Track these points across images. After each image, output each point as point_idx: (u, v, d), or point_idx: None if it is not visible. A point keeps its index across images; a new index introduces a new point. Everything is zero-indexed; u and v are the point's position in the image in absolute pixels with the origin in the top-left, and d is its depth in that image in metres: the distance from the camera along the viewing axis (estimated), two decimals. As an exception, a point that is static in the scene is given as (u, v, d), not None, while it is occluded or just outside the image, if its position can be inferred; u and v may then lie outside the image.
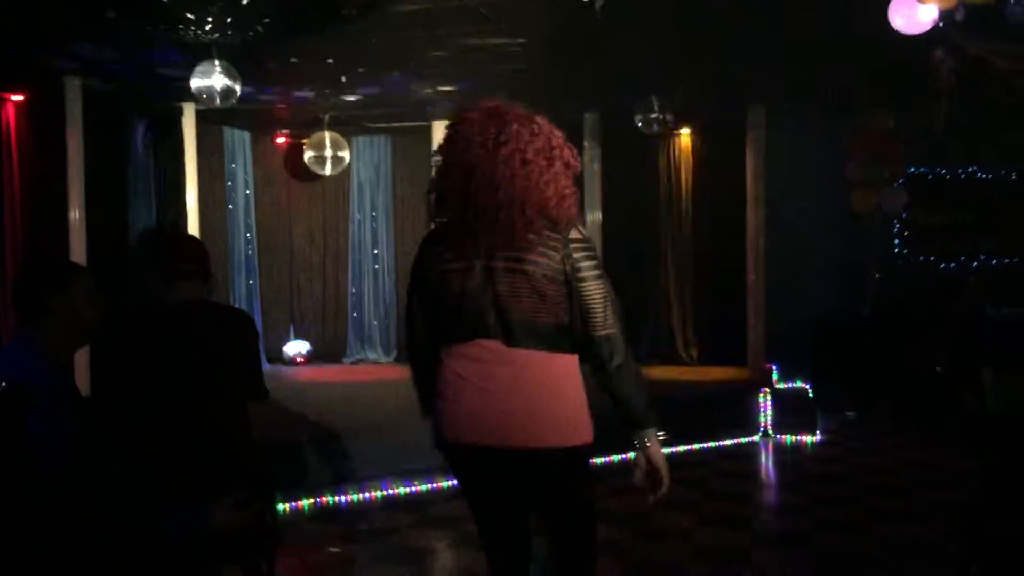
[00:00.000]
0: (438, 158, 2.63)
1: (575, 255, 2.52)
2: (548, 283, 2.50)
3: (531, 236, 2.50)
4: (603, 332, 2.54)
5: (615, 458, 7.00)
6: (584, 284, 2.52)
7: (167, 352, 2.95)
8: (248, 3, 5.47)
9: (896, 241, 9.45)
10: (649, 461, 2.69)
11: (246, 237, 10.26)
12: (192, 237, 3.64)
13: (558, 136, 2.64)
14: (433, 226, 2.70)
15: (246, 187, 10.34)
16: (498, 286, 2.51)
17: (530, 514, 2.73)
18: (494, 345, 2.53)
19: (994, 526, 2.81)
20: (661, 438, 2.72)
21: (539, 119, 2.64)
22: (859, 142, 8.91)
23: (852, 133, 8.95)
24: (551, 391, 2.56)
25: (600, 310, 2.53)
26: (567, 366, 2.58)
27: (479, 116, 2.59)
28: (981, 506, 3.21)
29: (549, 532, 2.68)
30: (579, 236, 2.55)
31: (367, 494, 6.10)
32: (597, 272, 2.55)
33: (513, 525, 2.75)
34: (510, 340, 2.52)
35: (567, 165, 2.61)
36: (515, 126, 2.57)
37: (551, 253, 2.51)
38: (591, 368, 2.60)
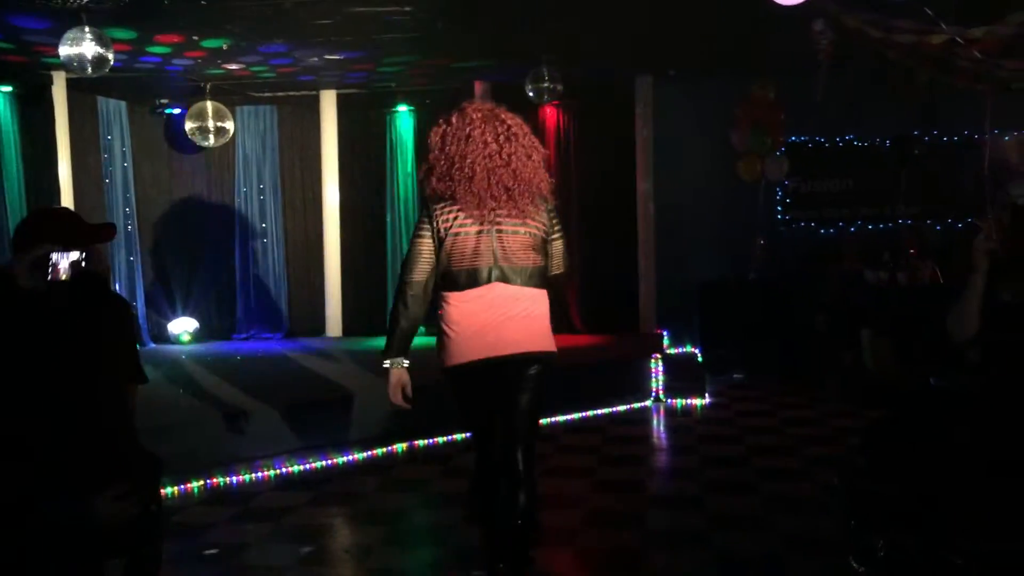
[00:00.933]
0: (440, 147, 3.51)
1: (552, 220, 3.67)
2: (537, 240, 3.60)
3: (530, 207, 3.55)
4: (562, 270, 3.78)
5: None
6: (555, 239, 3.70)
7: (32, 341, 2.71)
8: (118, -34, 5.21)
9: (779, 208, 9.74)
10: None
11: (125, 212, 9.84)
12: (63, 211, 3.17)
13: (530, 132, 3.60)
14: (430, 199, 3.57)
15: (124, 159, 9.90)
16: (505, 243, 3.52)
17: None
18: (504, 287, 3.52)
19: (870, 480, 2.95)
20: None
21: (520, 120, 3.59)
22: (743, 111, 9.13)
23: (738, 102, 9.16)
24: (542, 314, 3.64)
25: (561, 256, 3.75)
26: (546, 297, 3.66)
27: (480, 118, 3.48)
28: (858, 461, 3.36)
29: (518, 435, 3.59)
30: (553, 207, 3.68)
31: (259, 473, 5.98)
32: (561, 230, 3.74)
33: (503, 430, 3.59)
34: (516, 282, 3.54)
35: (541, 154, 3.61)
36: (513, 127, 3.52)
37: (540, 219, 3.60)
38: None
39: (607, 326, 9.65)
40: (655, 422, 7.62)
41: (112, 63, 6.25)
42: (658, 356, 8.30)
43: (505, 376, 3.54)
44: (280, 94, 9.95)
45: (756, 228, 9.32)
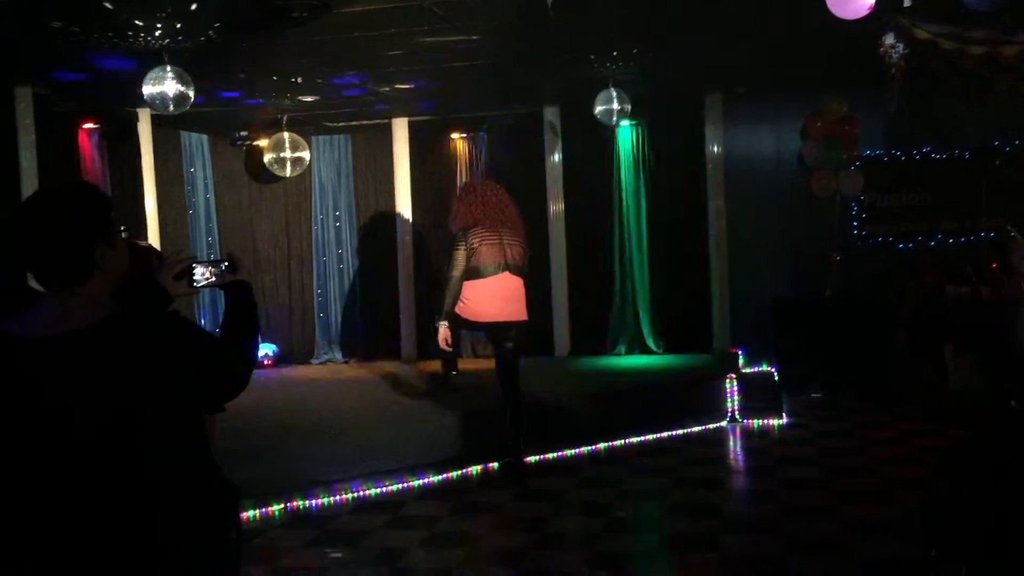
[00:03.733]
0: (464, 202, 6.42)
1: (524, 241, 6.39)
2: (521, 248, 6.34)
3: (519, 231, 6.36)
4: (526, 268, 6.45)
5: (584, 449, 7.08)
6: (524, 250, 6.37)
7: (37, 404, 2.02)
8: (197, 8, 5.41)
9: (855, 223, 9.56)
10: None
11: (208, 241, 10.17)
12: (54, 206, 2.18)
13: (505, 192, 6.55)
14: (462, 230, 6.27)
15: (206, 191, 10.24)
16: (508, 250, 6.24)
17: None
18: (508, 275, 6.23)
19: (951, 505, 2.87)
20: None
21: (499, 186, 6.62)
22: (816, 126, 9.02)
23: (809, 117, 9.05)
24: (523, 294, 6.35)
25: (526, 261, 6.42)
26: (524, 284, 6.37)
27: (484, 186, 6.65)
28: (939, 485, 3.27)
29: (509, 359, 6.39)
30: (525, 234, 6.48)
31: (338, 496, 6.09)
32: (526, 246, 6.44)
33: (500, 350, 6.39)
34: (513, 272, 6.24)
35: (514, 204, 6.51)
36: (500, 192, 6.45)
37: (521, 237, 6.37)
38: None
39: (681, 345, 9.59)
40: (731, 443, 7.52)
41: (193, 100, 6.47)
42: (733, 375, 8.20)
43: (508, 330, 6.28)
44: (353, 123, 10.17)
45: (831, 244, 9.17)
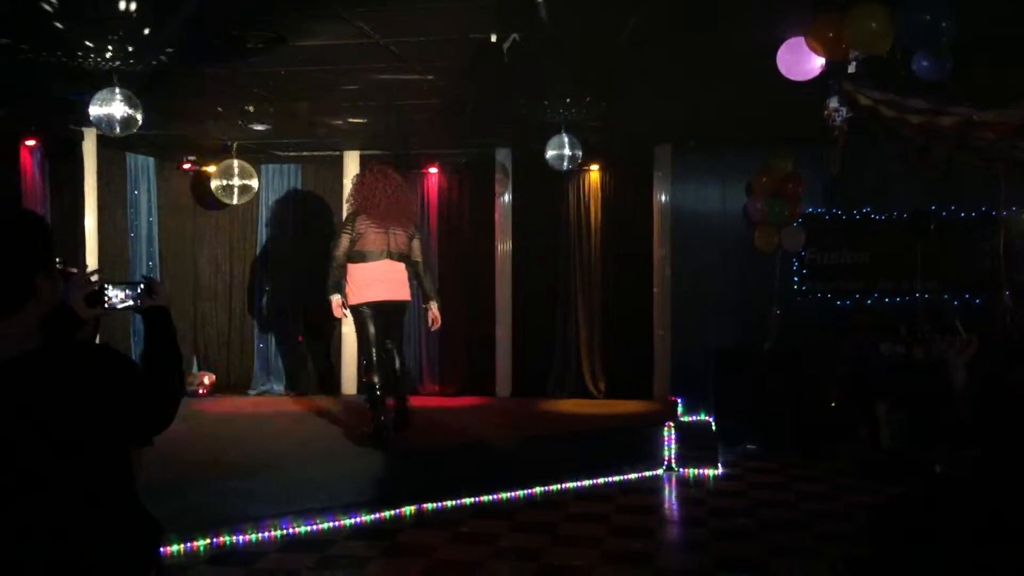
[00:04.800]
0: (357, 190, 7.06)
1: (414, 230, 7.22)
2: (406, 238, 7.07)
3: (405, 222, 7.07)
4: (420, 259, 7.19)
5: (520, 493, 7.04)
6: (415, 240, 7.18)
7: None
8: (150, 33, 5.36)
9: (795, 278, 9.75)
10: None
11: (148, 265, 9.99)
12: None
13: (402, 181, 7.24)
14: (352, 214, 7.00)
15: (149, 214, 10.08)
16: (392, 238, 6.96)
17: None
18: (389, 261, 6.95)
19: (872, 571, 2.91)
20: None
21: (396, 172, 7.23)
22: (761, 182, 9.20)
23: (755, 173, 9.24)
24: (406, 278, 7.10)
25: (420, 251, 7.21)
26: (406, 269, 7.11)
27: (379, 170, 7.15)
28: (861, 549, 3.32)
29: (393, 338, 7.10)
30: (415, 224, 7.33)
31: (266, 533, 5.97)
32: (420, 237, 7.29)
33: (382, 336, 7.00)
34: (394, 259, 6.97)
35: (408, 193, 7.31)
36: (395, 176, 7.11)
37: (408, 226, 7.12)
38: (413, 273, 7.23)
39: (622, 391, 9.63)
40: (666, 492, 7.55)
41: (140, 123, 6.38)
42: (671, 424, 8.25)
43: (391, 311, 7.01)
44: (305, 153, 10.12)
45: (772, 298, 9.32)
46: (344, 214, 7.27)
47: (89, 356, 2.19)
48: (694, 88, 7.11)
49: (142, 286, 2.52)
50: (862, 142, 7.27)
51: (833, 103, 6.16)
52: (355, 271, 6.92)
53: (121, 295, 2.51)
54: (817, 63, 5.39)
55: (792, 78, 5.51)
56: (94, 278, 2.56)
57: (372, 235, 6.90)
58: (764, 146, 9.08)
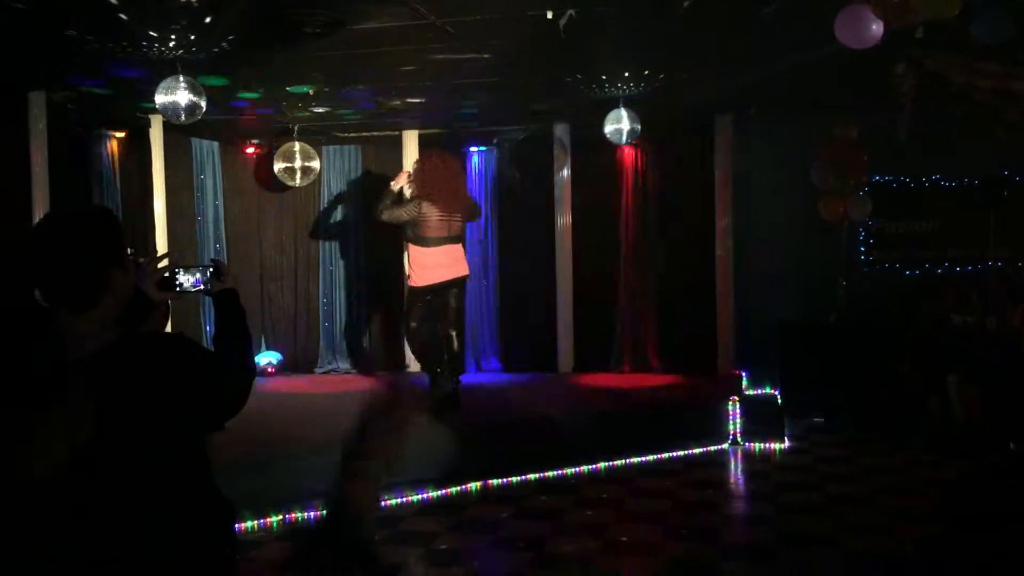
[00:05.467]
0: (419, 177, 7.48)
1: (466, 211, 7.65)
2: (462, 220, 7.60)
3: (463, 207, 7.56)
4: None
5: (584, 468, 7.08)
6: (464, 219, 7.72)
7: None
8: (212, 21, 5.44)
9: (862, 248, 9.55)
10: None
11: (215, 248, 10.20)
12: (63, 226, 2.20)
13: (459, 167, 7.94)
14: (417, 198, 7.41)
15: (215, 198, 10.28)
16: (451, 224, 7.43)
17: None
18: (449, 246, 7.43)
19: (946, 548, 2.86)
20: None
21: (455, 160, 7.83)
22: (825, 151, 9.02)
23: (818, 141, 9.05)
24: (463, 255, 7.63)
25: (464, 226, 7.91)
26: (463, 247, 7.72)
27: (439, 156, 7.60)
28: (936, 527, 3.26)
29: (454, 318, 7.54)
30: (473, 201, 7.99)
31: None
32: (468, 213, 7.79)
33: (438, 317, 7.48)
34: (453, 242, 7.48)
35: (464, 178, 8.34)
36: (454, 163, 7.62)
37: (464, 210, 7.57)
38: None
39: (684, 366, 9.56)
40: (732, 466, 7.52)
41: (204, 110, 6.50)
42: (736, 398, 8.19)
43: (449, 288, 7.41)
44: (364, 134, 10.20)
45: (838, 269, 9.16)
46: (408, 194, 7.62)
47: (164, 347, 2.25)
48: (755, 56, 6.98)
49: (211, 269, 2.57)
50: (930, 107, 7.10)
51: (900, 68, 6.02)
52: (418, 255, 7.42)
53: (191, 279, 2.57)
54: (877, 30, 5.24)
55: (851, 46, 5.37)
56: (164, 262, 2.63)
57: (436, 221, 7.31)
58: (828, 114, 8.88)
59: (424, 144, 10.24)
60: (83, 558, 2.04)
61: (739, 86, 8.07)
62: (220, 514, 2.50)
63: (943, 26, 5.22)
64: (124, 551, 2.06)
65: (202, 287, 2.56)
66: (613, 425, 7.68)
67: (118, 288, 2.20)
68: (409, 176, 7.64)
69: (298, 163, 9.77)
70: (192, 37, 5.64)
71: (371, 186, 10.63)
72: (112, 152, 8.81)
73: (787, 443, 7.91)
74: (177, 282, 2.57)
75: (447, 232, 7.37)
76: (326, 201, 10.70)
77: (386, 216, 7.50)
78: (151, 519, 2.10)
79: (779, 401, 8.67)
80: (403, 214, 7.40)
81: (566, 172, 9.98)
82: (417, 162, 7.76)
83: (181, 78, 6.26)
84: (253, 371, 2.53)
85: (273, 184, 10.31)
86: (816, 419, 8.67)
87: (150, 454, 2.09)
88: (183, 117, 6.40)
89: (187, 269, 2.58)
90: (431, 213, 7.29)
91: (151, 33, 5.58)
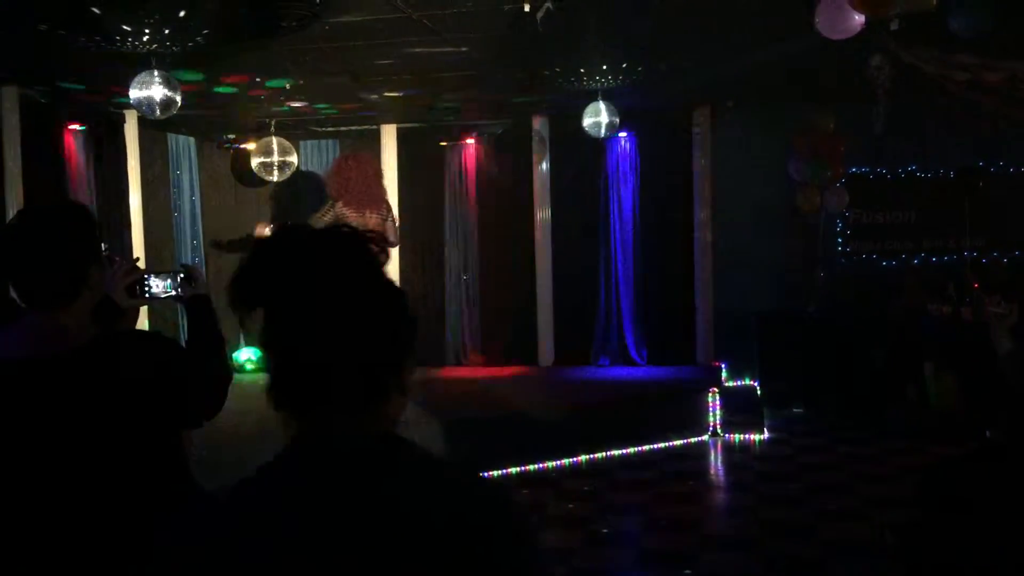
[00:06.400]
0: (334, 179, 7.81)
1: (388, 212, 7.91)
2: (380, 220, 7.74)
3: (380, 205, 7.84)
4: (397, 241, 8.16)
5: (566, 461, 7.09)
6: (389, 223, 7.84)
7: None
8: (186, 15, 5.39)
9: (839, 239, 9.62)
10: None
11: (193, 244, 10.12)
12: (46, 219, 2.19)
13: (379, 168, 8.41)
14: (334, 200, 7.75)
15: (192, 193, 10.20)
16: (368, 222, 7.45)
17: None
18: None
19: (925, 539, 2.87)
20: None
21: (373, 159, 8.57)
22: (802, 142, 9.06)
23: (796, 133, 9.09)
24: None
25: (395, 232, 7.97)
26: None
27: (356, 162, 7.89)
28: (913, 515, 3.27)
29: None
30: (387, 206, 7.99)
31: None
32: (393, 218, 8.02)
33: None
34: None
35: (382, 179, 8.25)
36: (374, 168, 8.09)
37: (381, 211, 7.82)
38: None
39: (665, 357, 9.60)
40: (712, 457, 7.55)
41: (179, 105, 6.44)
42: (715, 389, 8.23)
43: None
44: (342, 128, 10.16)
45: (816, 260, 9.21)
46: (327, 194, 8.01)
47: (144, 344, 2.24)
48: (732, 49, 6.99)
49: (181, 275, 2.54)
50: (906, 99, 7.15)
51: (876, 60, 6.05)
52: None
53: (162, 284, 2.53)
54: (857, 21, 5.27)
55: (830, 36, 5.40)
56: (141, 265, 2.61)
57: (351, 219, 7.54)
58: (805, 106, 8.92)
59: (402, 138, 10.22)
60: (61, 550, 2.02)
61: (716, 78, 8.10)
62: None
63: (919, 18, 5.27)
64: (101, 543, 2.04)
65: (173, 293, 2.53)
66: (592, 418, 7.70)
67: (95, 285, 2.18)
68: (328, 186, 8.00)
69: (276, 158, 9.70)
70: (166, 31, 5.60)
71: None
72: (86, 148, 8.72)
73: (767, 434, 7.95)
74: (146, 288, 2.53)
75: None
76: (305, 196, 10.63)
77: (314, 223, 7.86)
78: (128, 512, 2.08)
79: (758, 392, 8.72)
80: (322, 217, 7.71)
81: (545, 165, 9.97)
82: (332, 164, 8.32)
83: (156, 73, 6.20)
84: (230, 376, 2.51)
85: (250, 179, 10.24)
86: (795, 409, 8.73)
87: (127, 449, 2.07)
88: (158, 112, 6.34)
89: (158, 275, 2.54)
90: (347, 214, 7.59)
91: (125, 27, 5.53)
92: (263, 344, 1.25)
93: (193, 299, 2.52)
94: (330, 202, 7.76)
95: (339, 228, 1.26)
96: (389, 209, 8.01)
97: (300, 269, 1.21)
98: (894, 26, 5.37)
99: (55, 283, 2.09)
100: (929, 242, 9.45)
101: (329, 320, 1.20)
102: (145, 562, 1.25)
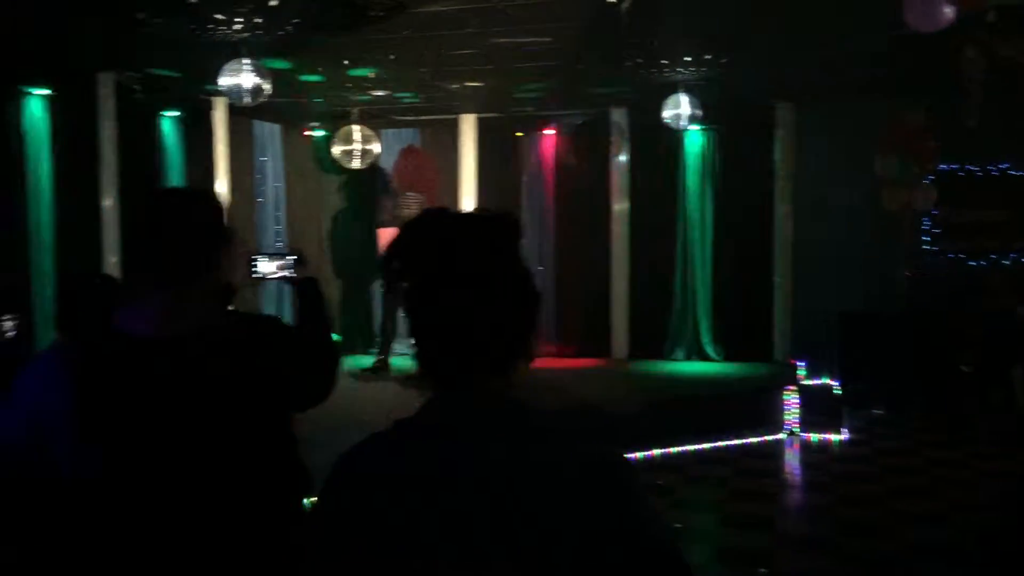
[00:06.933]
0: (401, 171, 9.59)
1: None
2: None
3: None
4: None
5: (639, 455, 7.06)
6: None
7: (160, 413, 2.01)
8: (277, 4, 5.51)
9: (926, 238, 9.35)
10: None
11: (275, 230, 10.34)
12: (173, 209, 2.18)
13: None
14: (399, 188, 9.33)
15: (276, 180, 10.42)
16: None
17: None
18: None
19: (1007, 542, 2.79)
20: None
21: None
22: (889, 138, 8.83)
23: (883, 129, 8.86)
24: None
25: None
26: None
27: (414, 151, 9.80)
28: (1007, 519, 3.18)
29: None
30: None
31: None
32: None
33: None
34: None
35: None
36: (430, 159, 9.95)
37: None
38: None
39: (741, 353, 9.48)
40: (788, 456, 7.44)
41: (268, 92, 6.58)
42: (793, 387, 8.09)
43: None
44: (422, 118, 10.25)
45: (901, 258, 8.98)
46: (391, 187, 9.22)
47: (262, 328, 2.27)
48: (818, 41, 6.86)
49: (294, 258, 2.58)
50: (1001, 94, 6.90)
51: (969, 53, 5.88)
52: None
53: (272, 267, 2.59)
54: (948, 13, 5.11)
55: (920, 29, 5.25)
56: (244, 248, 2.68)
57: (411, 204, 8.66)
58: (893, 100, 8.69)
59: (482, 128, 10.26)
60: (187, 538, 2.03)
61: (801, 71, 7.95)
62: (300, 482, 2.51)
63: (1016, 10, 5.10)
64: (221, 521, 2.08)
65: (284, 275, 2.58)
66: (667, 412, 7.64)
67: (223, 267, 2.25)
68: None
69: (357, 146, 9.84)
70: (257, 20, 5.73)
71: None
72: (178, 135, 8.98)
73: (846, 434, 7.80)
74: (255, 269, 2.60)
75: None
76: (385, 184, 10.76)
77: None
78: (246, 492, 2.11)
79: (838, 392, 8.54)
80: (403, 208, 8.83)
81: (624, 157, 9.91)
82: (400, 155, 9.51)
83: (246, 60, 6.35)
84: (339, 357, 2.54)
85: (333, 167, 10.41)
86: (876, 411, 8.53)
87: (247, 431, 2.10)
88: (247, 99, 6.49)
89: (268, 256, 2.60)
90: (413, 202, 8.77)
91: (217, 16, 5.68)
92: (410, 312, 1.37)
93: (305, 281, 2.54)
94: (397, 192, 9.01)
95: (485, 211, 1.40)
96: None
97: (453, 244, 1.35)
98: (991, 17, 5.22)
99: (189, 264, 2.13)
100: (1021, 242, 9.12)
101: (477, 291, 1.34)
102: (320, 490, 1.41)
